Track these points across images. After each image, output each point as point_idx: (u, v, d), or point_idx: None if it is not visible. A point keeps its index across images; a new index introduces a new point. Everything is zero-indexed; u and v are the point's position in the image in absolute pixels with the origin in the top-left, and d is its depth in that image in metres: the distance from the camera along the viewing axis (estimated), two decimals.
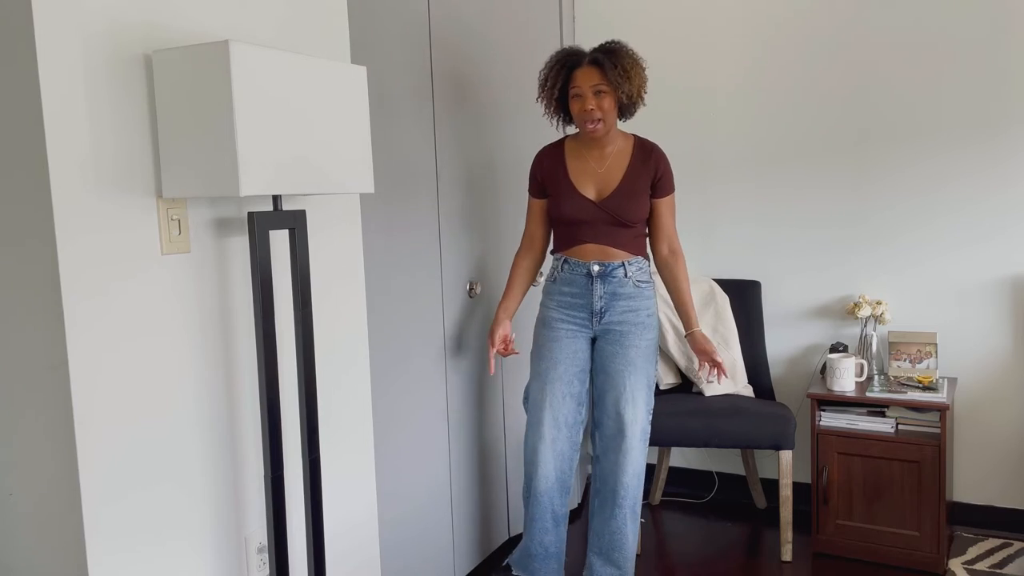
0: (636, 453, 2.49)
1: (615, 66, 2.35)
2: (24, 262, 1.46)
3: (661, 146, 3.46)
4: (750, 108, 3.31)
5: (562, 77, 2.41)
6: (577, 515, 3.30)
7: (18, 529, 1.56)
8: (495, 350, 2.56)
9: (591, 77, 2.36)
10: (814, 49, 3.18)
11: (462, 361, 2.73)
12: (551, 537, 2.58)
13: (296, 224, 1.72)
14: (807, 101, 3.21)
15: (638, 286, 2.49)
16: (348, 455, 2.11)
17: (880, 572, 2.79)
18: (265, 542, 1.85)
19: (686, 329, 2.57)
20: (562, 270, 2.52)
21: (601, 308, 2.48)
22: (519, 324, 3.01)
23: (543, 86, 2.47)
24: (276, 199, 1.68)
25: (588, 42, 3.56)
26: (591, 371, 2.57)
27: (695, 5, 3.36)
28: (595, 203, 2.45)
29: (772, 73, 3.26)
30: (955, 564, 2.79)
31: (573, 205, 2.45)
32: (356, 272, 2.13)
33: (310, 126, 1.60)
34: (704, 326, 3.20)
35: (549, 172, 2.51)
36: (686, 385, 3.28)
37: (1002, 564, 2.79)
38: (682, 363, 3.17)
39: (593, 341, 2.56)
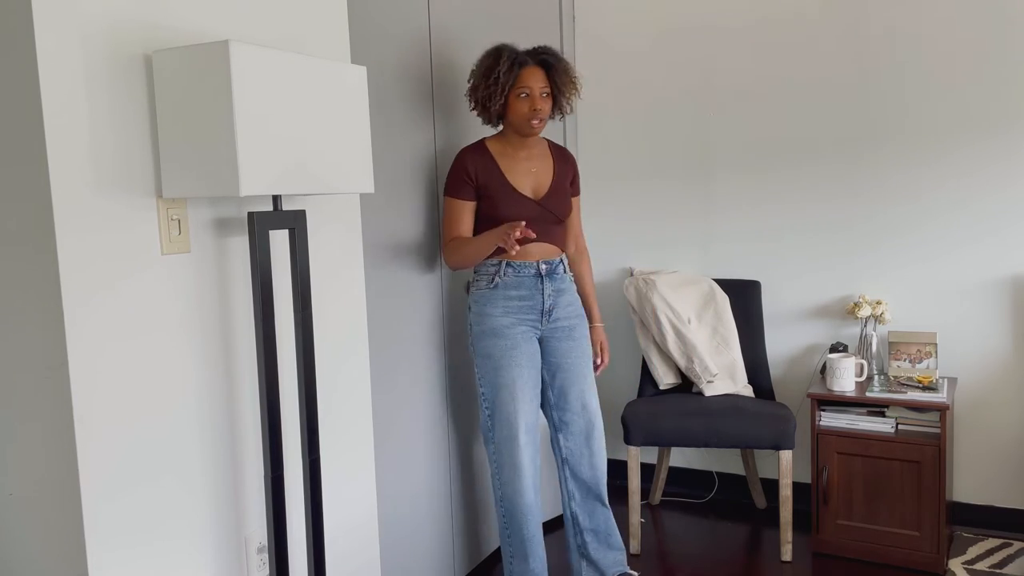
0: (603, 441, 2.59)
1: (565, 71, 2.43)
2: (24, 262, 1.46)
3: (662, 143, 3.47)
4: (750, 107, 3.31)
5: (513, 75, 2.38)
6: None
7: (18, 529, 1.56)
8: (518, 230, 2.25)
9: (539, 79, 2.40)
10: (814, 49, 3.18)
11: (462, 361, 2.73)
12: (542, 553, 2.52)
13: (296, 224, 1.72)
14: (807, 101, 3.21)
15: (572, 281, 2.60)
16: (348, 455, 2.11)
17: (880, 572, 2.79)
18: (265, 542, 1.85)
19: (590, 323, 2.69)
20: (505, 274, 2.45)
21: (549, 307, 2.50)
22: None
23: (492, 81, 2.38)
24: (276, 199, 1.68)
25: (588, 42, 3.57)
26: (542, 371, 2.55)
27: (695, 6, 3.36)
28: (536, 202, 2.47)
29: (772, 73, 3.25)
30: (955, 564, 2.79)
31: (516, 205, 2.44)
32: (356, 272, 2.13)
33: (310, 126, 1.60)
34: (704, 326, 3.20)
35: (483, 174, 2.45)
36: (686, 385, 3.28)
37: (1002, 564, 2.79)
38: (682, 363, 3.17)
39: (539, 342, 2.54)
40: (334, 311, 2.05)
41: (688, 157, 3.44)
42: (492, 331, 2.45)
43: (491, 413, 2.47)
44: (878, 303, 3.04)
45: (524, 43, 3.04)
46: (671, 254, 3.51)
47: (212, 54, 1.45)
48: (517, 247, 2.19)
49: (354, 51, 2.17)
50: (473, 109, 2.49)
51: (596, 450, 2.55)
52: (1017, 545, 2.92)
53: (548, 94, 2.42)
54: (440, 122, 2.59)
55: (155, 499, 1.60)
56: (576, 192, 2.64)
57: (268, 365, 1.67)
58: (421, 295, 2.52)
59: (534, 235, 2.18)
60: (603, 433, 2.58)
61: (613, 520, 2.61)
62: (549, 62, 2.41)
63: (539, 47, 2.45)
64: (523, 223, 2.19)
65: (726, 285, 3.30)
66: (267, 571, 1.86)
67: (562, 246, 2.56)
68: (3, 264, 1.49)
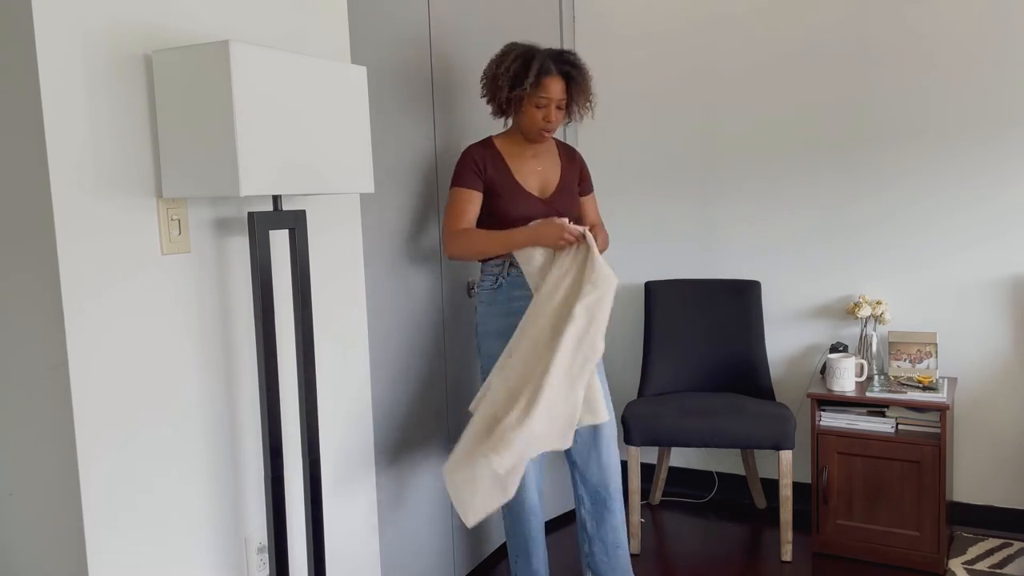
0: (613, 441, 2.44)
1: (583, 90, 2.36)
2: (25, 262, 1.46)
3: (663, 144, 3.47)
4: (751, 108, 3.31)
5: (537, 86, 2.30)
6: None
7: (18, 529, 1.56)
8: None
9: (558, 90, 2.32)
10: (815, 50, 3.18)
11: (462, 361, 2.73)
12: (544, 552, 2.53)
13: (296, 224, 1.72)
14: (807, 101, 3.21)
15: None
16: (348, 455, 2.11)
17: (880, 572, 2.79)
18: (265, 542, 1.85)
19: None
20: (508, 275, 2.39)
21: None
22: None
23: (513, 83, 2.31)
24: (276, 199, 1.68)
25: (588, 42, 3.57)
26: None
27: (696, 6, 3.36)
28: (543, 201, 2.41)
29: (773, 73, 3.25)
30: (955, 564, 2.79)
31: (524, 205, 2.38)
32: (356, 271, 2.13)
33: (310, 126, 1.60)
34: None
35: (493, 170, 2.39)
36: (686, 386, 3.28)
37: (1002, 564, 2.79)
38: None
39: None
40: (334, 311, 2.05)
41: (688, 157, 3.44)
42: (496, 331, 2.40)
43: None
44: (878, 303, 3.04)
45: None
46: (671, 254, 3.51)
47: (212, 54, 1.45)
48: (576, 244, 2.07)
49: (354, 51, 2.17)
50: (484, 96, 2.42)
51: (603, 449, 2.42)
52: (1017, 545, 2.92)
53: (562, 107, 2.36)
54: (440, 122, 2.59)
55: (155, 499, 1.60)
56: (587, 191, 2.58)
57: (268, 365, 1.67)
58: (421, 294, 2.52)
59: (584, 230, 2.15)
60: (614, 432, 2.44)
61: (623, 531, 2.48)
62: (572, 75, 2.34)
63: (565, 53, 2.36)
64: (567, 219, 2.12)
65: (726, 285, 3.30)
66: (267, 571, 1.86)
67: None
68: (4, 264, 1.49)
